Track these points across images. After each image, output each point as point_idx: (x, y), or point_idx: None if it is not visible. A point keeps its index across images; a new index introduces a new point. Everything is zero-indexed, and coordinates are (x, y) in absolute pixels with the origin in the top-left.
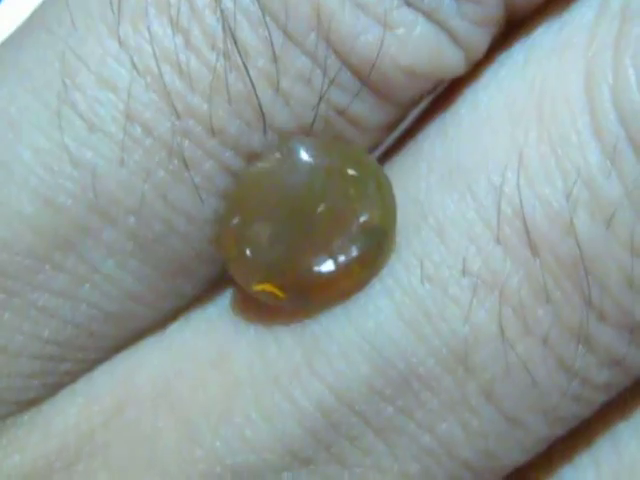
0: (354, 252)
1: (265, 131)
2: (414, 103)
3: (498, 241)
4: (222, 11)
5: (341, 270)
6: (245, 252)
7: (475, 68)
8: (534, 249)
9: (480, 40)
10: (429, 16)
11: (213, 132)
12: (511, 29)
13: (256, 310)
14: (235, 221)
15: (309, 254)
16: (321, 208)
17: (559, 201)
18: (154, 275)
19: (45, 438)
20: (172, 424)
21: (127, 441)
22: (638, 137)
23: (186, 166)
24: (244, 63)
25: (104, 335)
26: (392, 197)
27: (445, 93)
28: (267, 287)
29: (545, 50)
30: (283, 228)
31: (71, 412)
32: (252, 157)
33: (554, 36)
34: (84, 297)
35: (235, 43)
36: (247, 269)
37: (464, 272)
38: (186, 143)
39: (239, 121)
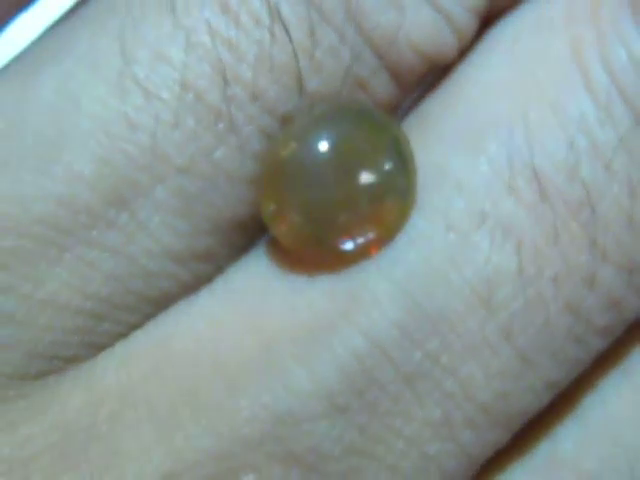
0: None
1: (301, 94)
2: (414, 87)
3: (511, 190)
4: None
5: (369, 241)
6: (285, 228)
7: (463, 56)
8: (543, 195)
9: (471, 27)
10: (430, 1)
11: (255, 97)
12: (490, 18)
13: (287, 269)
14: (273, 208)
15: (337, 235)
16: (346, 180)
17: (563, 150)
18: (192, 232)
19: (88, 391)
20: (212, 379)
21: (169, 395)
22: (627, 89)
23: (230, 129)
24: (289, 34)
25: (141, 294)
26: (412, 156)
27: (441, 74)
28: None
29: (530, 28)
30: (310, 215)
31: (111, 370)
32: (285, 121)
33: (536, 15)
34: (129, 254)
35: (280, 19)
36: (287, 233)
37: (483, 220)
38: (232, 108)
39: (277, 86)
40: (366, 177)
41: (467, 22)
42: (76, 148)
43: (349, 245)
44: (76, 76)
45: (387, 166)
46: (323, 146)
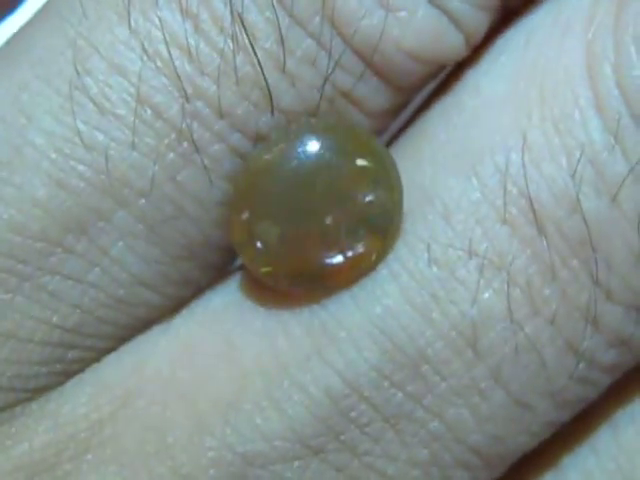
0: (361, 242)
1: (272, 112)
2: (416, 88)
3: (504, 221)
4: None
5: (349, 261)
6: (255, 244)
7: (475, 54)
8: (540, 228)
9: (480, 24)
10: (430, 0)
11: (221, 114)
12: (508, 15)
13: (263, 299)
14: (245, 216)
15: (318, 248)
16: (329, 200)
17: (564, 179)
18: (162, 259)
19: (54, 427)
20: (181, 414)
21: (136, 432)
22: None
23: (195, 148)
24: (252, 45)
25: (111, 322)
26: (399, 182)
27: (446, 80)
28: (275, 272)
29: (544, 33)
30: (290, 225)
31: (80, 402)
32: (259, 139)
33: (553, 19)
34: (93, 281)
35: (243, 26)
36: (256, 256)
37: (471, 254)
38: (195, 125)
39: (246, 102)
40: (346, 200)
41: (475, 19)
42: (29, 169)
43: (337, 258)
44: (29, 87)
45: (369, 189)
46: (314, 146)
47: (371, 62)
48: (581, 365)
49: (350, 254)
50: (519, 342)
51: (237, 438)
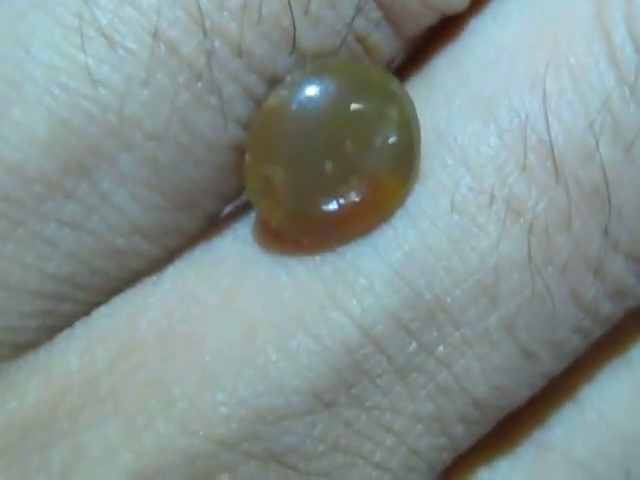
0: (361, 189)
1: (292, 52)
2: (416, 39)
3: (524, 168)
4: None
5: (346, 208)
6: (266, 190)
7: (479, 3)
8: (558, 175)
9: None
10: None
11: (240, 53)
12: None
13: (267, 248)
14: (249, 158)
15: (317, 194)
16: (337, 143)
17: (582, 126)
18: (165, 207)
19: (47, 382)
20: (186, 367)
21: (137, 386)
22: None
23: (211, 89)
24: None
25: (105, 273)
26: (417, 124)
27: (449, 26)
28: (288, 220)
29: None
30: (296, 169)
31: (73, 355)
32: (275, 81)
33: None
34: (91, 229)
35: None
36: (271, 205)
37: (491, 200)
38: (212, 64)
39: (266, 42)
40: (362, 134)
41: None
42: (28, 104)
43: (333, 205)
44: (26, 17)
45: (386, 131)
46: (315, 93)
47: (390, 8)
48: (581, 315)
49: (343, 201)
50: (536, 289)
51: (250, 392)
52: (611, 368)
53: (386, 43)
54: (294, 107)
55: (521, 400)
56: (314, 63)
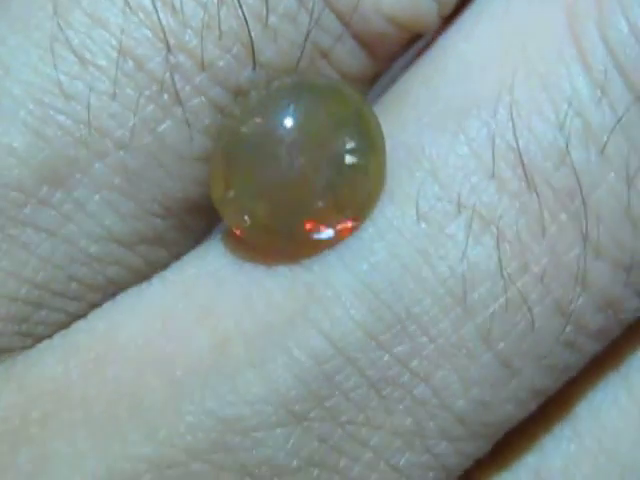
0: (349, 214)
1: (254, 66)
2: (390, 57)
3: (493, 175)
4: None
5: (338, 233)
6: (243, 217)
7: (451, 23)
8: (529, 182)
9: None
10: None
11: (203, 66)
12: None
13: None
14: (230, 194)
15: (305, 221)
16: (312, 169)
17: (552, 132)
18: (138, 214)
19: (19, 389)
20: (157, 380)
21: (108, 396)
22: (626, 65)
23: (176, 100)
24: None
25: (82, 280)
26: (381, 136)
27: (422, 49)
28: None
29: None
30: (276, 200)
31: (48, 364)
32: (239, 93)
33: None
34: (67, 235)
35: None
36: (237, 211)
37: (459, 209)
38: (176, 77)
39: (228, 56)
40: (333, 156)
41: None
42: (5, 118)
43: (320, 233)
44: (6, 41)
45: (351, 145)
46: (290, 121)
47: (350, 23)
48: (568, 328)
49: (331, 227)
50: (509, 299)
51: (217, 402)
52: (611, 395)
53: (353, 58)
54: (270, 135)
55: (510, 418)
56: (279, 79)
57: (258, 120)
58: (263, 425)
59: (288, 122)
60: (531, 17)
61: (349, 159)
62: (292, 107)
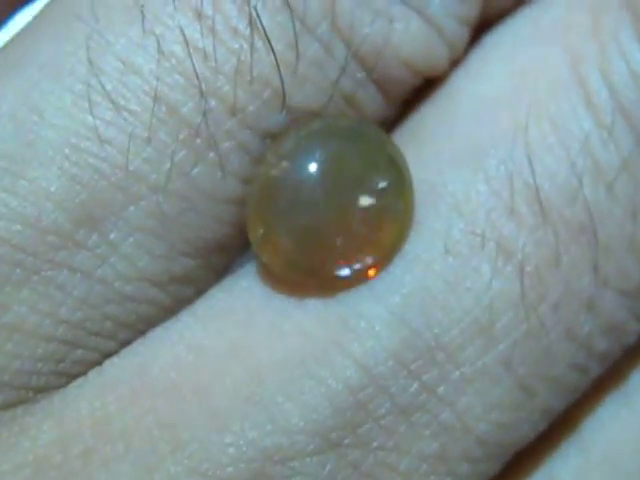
0: (370, 255)
1: (283, 110)
2: (402, 101)
3: (512, 212)
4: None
5: (357, 273)
6: (275, 256)
7: (459, 65)
8: (545, 217)
9: (462, 38)
10: (420, 13)
11: (234, 111)
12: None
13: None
14: (261, 232)
15: (329, 261)
16: (340, 211)
17: (565, 170)
18: (169, 254)
19: (58, 425)
20: (195, 411)
21: (147, 429)
22: (628, 107)
23: (208, 145)
24: (271, 45)
25: (116, 319)
26: (409, 176)
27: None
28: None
29: (528, 40)
30: (303, 240)
31: (85, 401)
32: (269, 137)
33: (533, 27)
34: (101, 276)
35: (263, 28)
36: (277, 259)
37: (483, 244)
38: (209, 122)
39: (258, 101)
40: (362, 198)
41: (459, 33)
42: (42, 163)
43: (345, 272)
44: (39, 86)
45: (383, 185)
46: (315, 166)
47: (373, 69)
48: (579, 352)
49: (358, 267)
50: (530, 326)
51: (257, 433)
52: (614, 411)
53: (373, 103)
54: (296, 178)
55: (523, 439)
56: (309, 123)
57: (285, 164)
58: (301, 454)
59: (312, 167)
60: (536, 58)
61: (377, 201)
62: (318, 152)
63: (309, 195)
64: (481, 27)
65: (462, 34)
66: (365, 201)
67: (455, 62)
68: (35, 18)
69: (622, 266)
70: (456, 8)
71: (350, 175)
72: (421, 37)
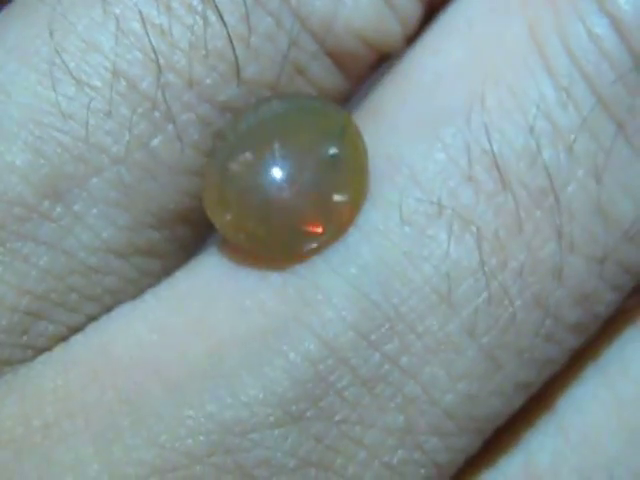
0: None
1: (238, 83)
2: (361, 76)
3: (470, 179)
4: None
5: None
6: (239, 236)
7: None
8: (504, 183)
9: (415, 12)
10: None
11: (191, 84)
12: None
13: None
14: (228, 217)
15: (298, 239)
16: (303, 191)
17: (523, 135)
18: (133, 226)
19: (22, 399)
20: (156, 388)
21: (108, 404)
22: (588, 69)
23: (167, 117)
24: (223, 20)
25: (80, 291)
26: (364, 147)
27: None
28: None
29: (484, 15)
30: (270, 223)
31: (48, 377)
32: (225, 109)
33: (488, 2)
34: (66, 248)
35: (215, 4)
36: (235, 231)
37: (440, 211)
38: (167, 95)
39: (214, 73)
40: (318, 175)
41: (411, 8)
42: (7, 138)
43: (313, 245)
44: (6, 67)
45: (334, 151)
46: (275, 155)
47: (324, 41)
48: (547, 321)
49: (325, 237)
50: (491, 294)
51: (216, 405)
52: (591, 390)
53: (328, 75)
54: (260, 169)
55: (497, 413)
56: (263, 103)
57: (248, 156)
58: (261, 426)
59: (272, 157)
60: (494, 29)
61: (333, 173)
62: (277, 144)
63: (270, 181)
64: (436, 6)
65: (414, 9)
66: (321, 178)
67: (410, 39)
68: (8, 5)
69: (589, 230)
70: None
71: (306, 153)
72: (372, 11)
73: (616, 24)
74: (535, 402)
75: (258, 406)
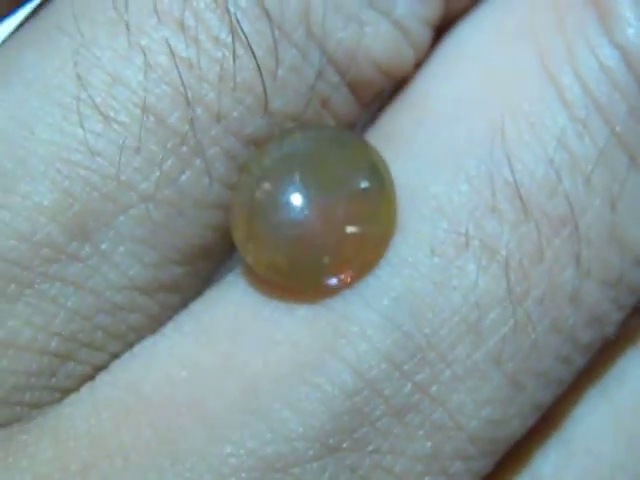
0: (355, 263)
1: (264, 114)
2: (371, 103)
3: (494, 210)
4: (226, 10)
5: (344, 280)
6: (264, 267)
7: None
8: (527, 213)
9: (426, 38)
10: (387, 16)
11: (219, 118)
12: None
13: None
14: (250, 246)
15: (320, 272)
16: (326, 227)
17: (543, 165)
18: (159, 262)
19: (55, 442)
20: (192, 425)
21: (145, 444)
22: (601, 100)
23: (195, 152)
24: (253, 52)
25: (107, 330)
26: (391, 182)
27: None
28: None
29: (493, 40)
30: (292, 254)
31: (79, 419)
32: (251, 142)
33: (498, 22)
34: (93, 287)
35: (244, 35)
36: (258, 261)
37: (467, 243)
38: (195, 130)
39: (241, 107)
40: (349, 209)
41: (423, 34)
42: (34, 178)
43: (333, 281)
44: (28, 102)
45: (365, 185)
46: (297, 186)
47: (347, 72)
48: (565, 344)
49: (346, 278)
50: (517, 321)
51: (257, 442)
52: (592, 404)
53: (347, 106)
54: (281, 199)
55: (515, 434)
56: (290, 135)
57: (267, 186)
58: (302, 460)
59: (294, 188)
60: (505, 57)
61: (362, 210)
62: (298, 176)
63: (294, 214)
64: (440, 28)
65: (426, 35)
66: (350, 202)
67: (418, 63)
68: (17, 31)
69: (604, 256)
70: (420, 10)
71: (333, 182)
72: (389, 39)
73: (625, 56)
74: (540, 417)
75: (298, 440)
